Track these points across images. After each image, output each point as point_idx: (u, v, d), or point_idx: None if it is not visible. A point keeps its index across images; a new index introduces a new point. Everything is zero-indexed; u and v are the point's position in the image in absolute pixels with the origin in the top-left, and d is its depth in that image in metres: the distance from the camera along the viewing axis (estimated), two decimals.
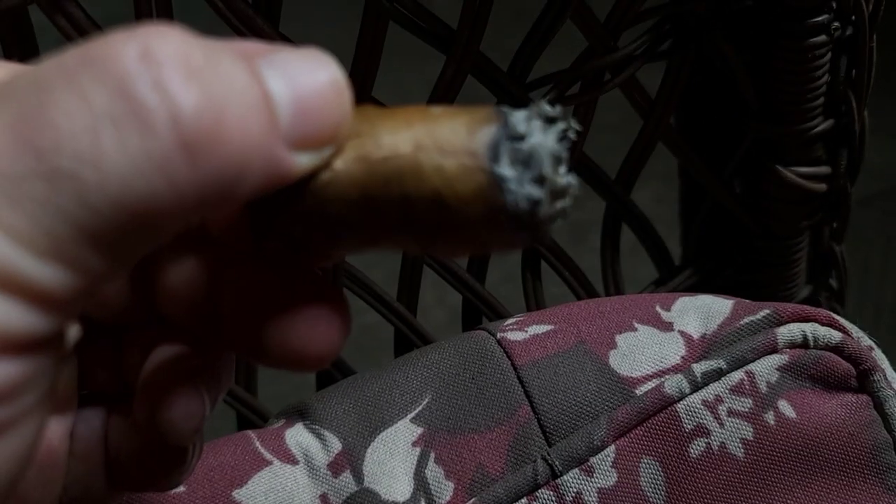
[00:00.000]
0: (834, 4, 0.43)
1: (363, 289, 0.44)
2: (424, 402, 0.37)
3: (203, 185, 0.17)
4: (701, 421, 0.35)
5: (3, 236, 0.17)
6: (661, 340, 0.37)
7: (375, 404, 0.37)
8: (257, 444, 0.36)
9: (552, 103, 0.20)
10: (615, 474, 0.35)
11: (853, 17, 0.44)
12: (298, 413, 0.38)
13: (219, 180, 0.17)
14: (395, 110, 0.20)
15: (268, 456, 0.36)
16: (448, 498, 0.35)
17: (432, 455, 0.36)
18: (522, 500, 0.34)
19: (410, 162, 0.19)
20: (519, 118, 0.19)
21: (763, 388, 0.36)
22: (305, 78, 0.19)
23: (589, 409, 0.36)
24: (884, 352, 0.38)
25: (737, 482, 0.35)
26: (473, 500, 0.35)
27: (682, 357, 0.37)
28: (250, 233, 0.22)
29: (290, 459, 0.36)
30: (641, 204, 0.50)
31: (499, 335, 0.38)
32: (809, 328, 0.36)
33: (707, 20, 0.44)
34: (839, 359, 0.36)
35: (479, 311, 0.47)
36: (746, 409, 0.35)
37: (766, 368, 0.36)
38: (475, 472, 0.35)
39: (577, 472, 0.35)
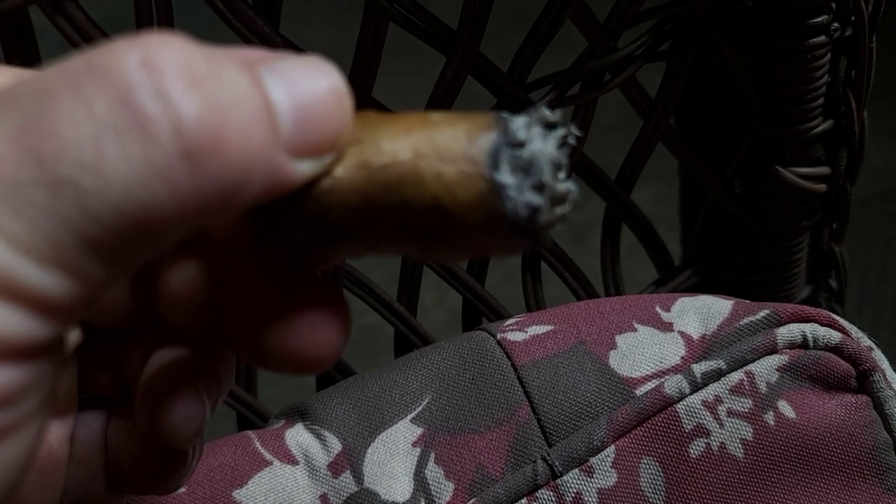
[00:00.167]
0: (833, 5, 0.43)
1: (363, 290, 0.44)
2: (424, 403, 0.37)
3: (204, 193, 0.17)
4: (701, 421, 0.35)
5: (5, 243, 0.17)
6: (660, 341, 0.37)
7: (375, 405, 0.37)
8: (257, 444, 0.36)
9: (552, 107, 0.20)
10: (615, 474, 0.35)
11: (853, 18, 0.44)
12: (298, 413, 0.38)
13: (220, 188, 0.18)
14: (395, 116, 0.20)
15: (268, 456, 0.36)
16: (448, 498, 0.35)
17: (432, 455, 0.36)
18: (522, 501, 0.34)
19: (410, 169, 0.19)
20: (519, 124, 0.19)
21: (763, 388, 0.36)
22: (307, 86, 0.19)
23: (589, 409, 0.36)
24: (883, 352, 0.38)
25: (736, 482, 0.35)
26: (473, 500, 0.35)
27: (682, 357, 0.37)
28: (251, 238, 0.22)
29: (291, 460, 0.36)
30: (641, 204, 0.51)
31: (499, 335, 0.38)
32: (809, 328, 0.36)
33: (707, 21, 0.44)
34: (839, 359, 0.36)
35: (479, 312, 0.47)
36: (746, 410, 0.35)
37: (765, 369, 0.36)
38: (475, 473, 0.35)
39: (577, 472, 0.35)
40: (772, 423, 0.35)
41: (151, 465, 0.24)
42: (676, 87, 0.46)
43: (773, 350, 0.36)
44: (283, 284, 0.21)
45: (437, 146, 0.19)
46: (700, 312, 0.38)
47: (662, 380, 0.36)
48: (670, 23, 0.44)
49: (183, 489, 0.35)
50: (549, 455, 0.35)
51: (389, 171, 0.19)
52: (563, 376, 0.36)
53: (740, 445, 0.35)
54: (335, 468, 0.36)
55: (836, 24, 0.43)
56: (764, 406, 0.36)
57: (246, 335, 0.22)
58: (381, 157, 0.20)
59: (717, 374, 0.36)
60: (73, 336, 0.23)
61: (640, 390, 0.36)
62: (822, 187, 0.49)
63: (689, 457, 0.35)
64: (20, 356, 0.17)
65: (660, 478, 0.35)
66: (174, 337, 0.24)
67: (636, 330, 0.38)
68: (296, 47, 0.37)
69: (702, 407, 0.35)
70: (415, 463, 0.36)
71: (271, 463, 0.36)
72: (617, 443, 0.35)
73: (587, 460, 0.35)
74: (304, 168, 0.19)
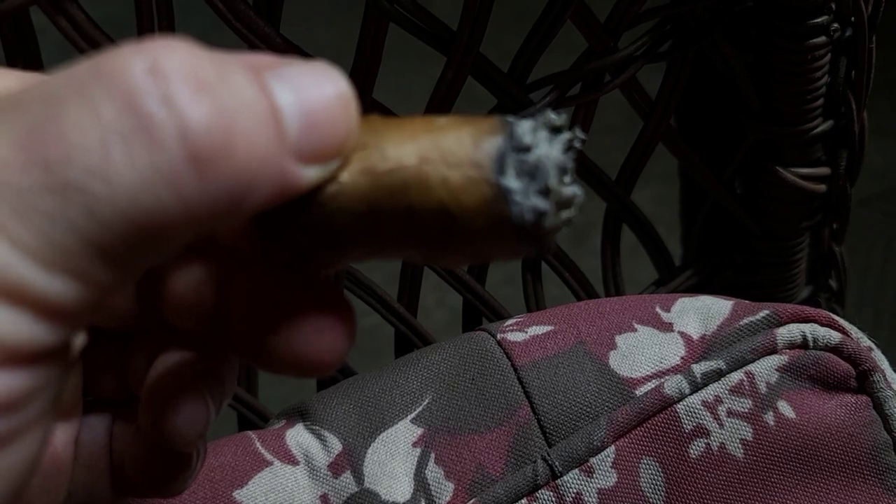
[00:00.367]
0: (833, 6, 0.43)
1: (364, 290, 0.44)
2: (425, 403, 0.37)
3: (211, 198, 0.17)
4: (700, 421, 0.35)
5: (12, 248, 0.17)
6: (660, 341, 0.37)
7: (376, 405, 0.37)
8: (258, 444, 0.36)
9: (553, 108, 0.20)
10: (615, 475, 0.35)
11: (853, 19, 0.44)
12: (299, 414, 0.38)
13: (227, 194, 0.18)
14: (400, 121, 0.20)
15: (268, 456, 0.36)
16: (448, 498, 0.35)
17: (432, 455, 0.36)
18: (522, 501, 0.35)
19: (416, 174, 0.19)
20: (525, 128, 0.19)
21: (762, 388, 0.36)
22: (313, 91, 0.19)
23: (589, 409, 0.36)
24: (883, 352, 0.38)
25: (736, 483, 0.35)
26: (473, 500, 0.35)
27: (682, 358, 0.37)
28: (257, 242, 0.22)
29: (291, 460, 0.36)
30: (641, 204, 0.51)
31: (499, 336, 0.38)
32: (809, 329, 0.36)
33: (707, 21, 0.44)
34: (839, 359, 0.36)
35: (480, 313, 0.47)
36: (746, 410, 0.35)
37: (765, 369, 0.36)
38: (475, 473, 0.35)
39: (577, 472, 0.35)
40: (772, 423, 0.35)
41: (156, 468, 0.24)
42: (677, 88, 0.46)
43: (772, 350, 0.36)
44: (289, 288, 0.22)
45: (443, 151, 0.19)
46: (700, 313, 0.38)
47: (662, 380, 0.36)
48: (670, 23, 0.44)
49: None
50: (549, 455, 0.35)
51: (395, 176, 0.19)
52: (563, 376, 0.36)
53: (740, 446, 0.35)
54: (335, 468, 0.36)
55: (836, 25, 0.43)
56: (764, 406, 0.36)
57: (251, 339, 0.22)
58: (386, 163, 0.20)
59: (717, 375, 0.36)
60: (79, 339, 0.23)
61: (640, 390, 0.36)
62: (822, 187, 0.49)
63: (689, 457, 0.35)
64: (26, 361, 0.17)
65: (660, 478, 0.35)
66: (178, 340, 0.24)
67: (636, 330, 0.38)
68: (296, 48, 0.37)
69: (702, 407, 0.35)
70: (415, 463, 0.36)
71: (272, 463, 0.36)
72: (617, 443, 0.35)
73: (587, 460, 0.35)
74: (310, 174, 0.19)
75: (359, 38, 0.38)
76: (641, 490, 0.35)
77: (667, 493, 0.35)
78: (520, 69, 0.42)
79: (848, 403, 0.36)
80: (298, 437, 0.37)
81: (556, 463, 0.35)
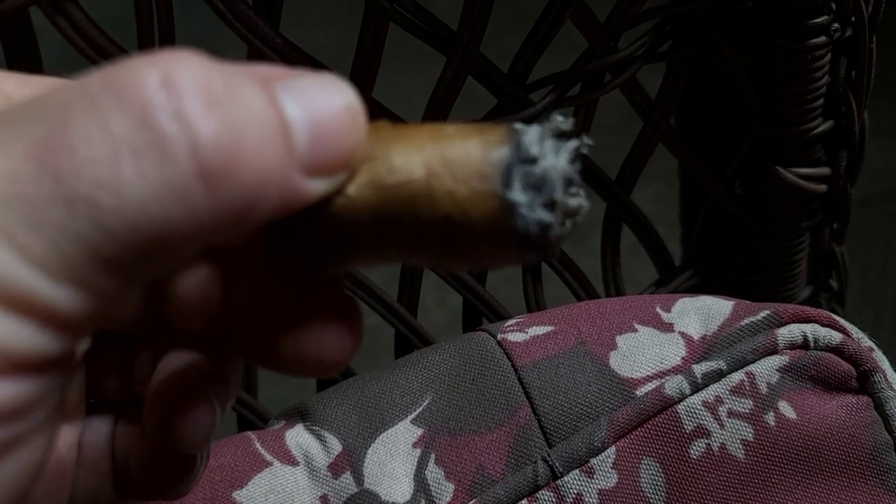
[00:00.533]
0: (834, 6, 0.43)
1: (364, 291, 0.44)
2: (425, 404, 0.37)
3: (219, 211, 0.17)
4: (701, 422, 0.35)
5: (19, 257, 0.17)
6: (661, 341, 0.37)
7: (376, 405, 0.37)
8: (258, 445, 0.36)
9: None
10: (615, 475, 0.35)
11: (853, 19, 0.44)
12: (299, 414, 0.38)
13: (235, 207, 0.18)
14: (408, 129, 0.20)
15: (268, 457, 0.36)
16: (448, 499, 0.35)
17: (433, 456, 0.36)
18: (523, 502, 0.34)
19: (423, 187, 0.19)
20: (532, 138, 0.19)
21: (763, 388, 0.36)
22: (322, 103, 0.19)
23: (589, 410, 0.36)
24: (884, 352, 0.38)
25: (737, 483, 0.35)
26: (474, 501, 0.35)
27: (683, 358, 0.37)
28: (264, 249, 0.22)
29: (291, 460, 0.36)
30: (642, 204, 0.51)
31: (499, 336, 0.38)
32: (809, 329, 0.36)
33: (707, 21, 0.44)
34: (839, 360, 0.36)
35: (480, 313, 0.47)
36: (747, 410, 0.35)
37: (766, 369, 0.36)
38: (475, 474, 0.35)
39: (578, 473, 0.35)
40: (772, 423, 0.35)
41: (160, 470, 0.24)
42: (676, 88, 0.46)
43: (773, 350, 0.36)
44: (295, 290, 0.22)
45: (450, 163, 0.19)
46: (700, 313, 0.38)
47: (663, 380, 0.36)
48: (670, 23, 0.44)
49: None
50: (549, 456, 0.35)
51: (402, 189, 0.19)
52: (563, 377, 0.36)
53: (741, 446, 0.35)
54: (335, 469, 0.36)
55: (836, 25, 0.43)
56: (764, 407, 0.35)
57: (257, 340, 0.22)
58: (393, 176, 0.20)
59: (718, 375, 0.36)
60: (82, 344, 0.23)
61: (641, 391, 0.36)
62: (822, 187, 0.49)
63: (689, 457, 0.35)
64: (30, 370, 0.17)
65: (660, 478, 0.35)
66: (183, 341, 0.24)
67: (637, 330, 0.38)
68: (296, 48, 0.37)
69: (702, 407, 0.35)
70: (415, 464, 0.35)
71: (271, 464, 0.36)
72: (617, 443, 0.35)
73: (588, 461, 0.35)
74: (317, 186, 0.19)
75: (359, 38, 0.38)
76: (642, 490, 0.35)
77: (667, 493, 0.35)
78: (520, 69, 0.42)
79: (849, 404, 0.36)
80: (298, 437, 0.37)
81: (557, 463, 0.35)
